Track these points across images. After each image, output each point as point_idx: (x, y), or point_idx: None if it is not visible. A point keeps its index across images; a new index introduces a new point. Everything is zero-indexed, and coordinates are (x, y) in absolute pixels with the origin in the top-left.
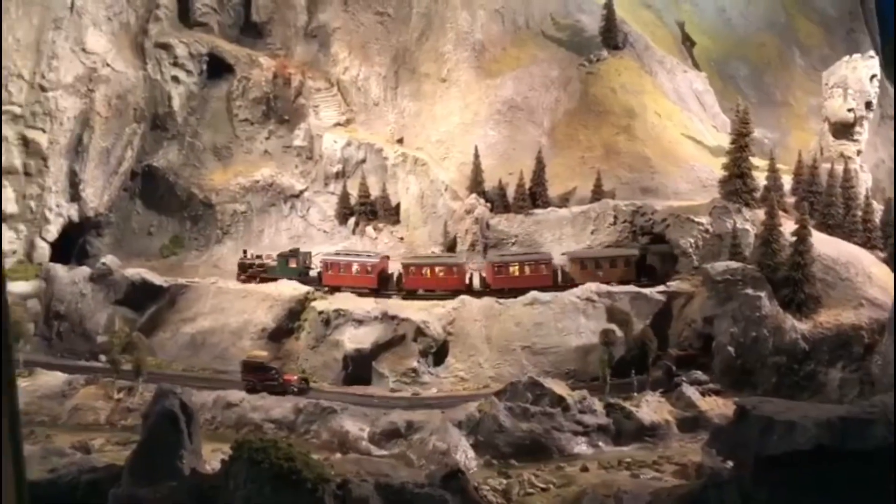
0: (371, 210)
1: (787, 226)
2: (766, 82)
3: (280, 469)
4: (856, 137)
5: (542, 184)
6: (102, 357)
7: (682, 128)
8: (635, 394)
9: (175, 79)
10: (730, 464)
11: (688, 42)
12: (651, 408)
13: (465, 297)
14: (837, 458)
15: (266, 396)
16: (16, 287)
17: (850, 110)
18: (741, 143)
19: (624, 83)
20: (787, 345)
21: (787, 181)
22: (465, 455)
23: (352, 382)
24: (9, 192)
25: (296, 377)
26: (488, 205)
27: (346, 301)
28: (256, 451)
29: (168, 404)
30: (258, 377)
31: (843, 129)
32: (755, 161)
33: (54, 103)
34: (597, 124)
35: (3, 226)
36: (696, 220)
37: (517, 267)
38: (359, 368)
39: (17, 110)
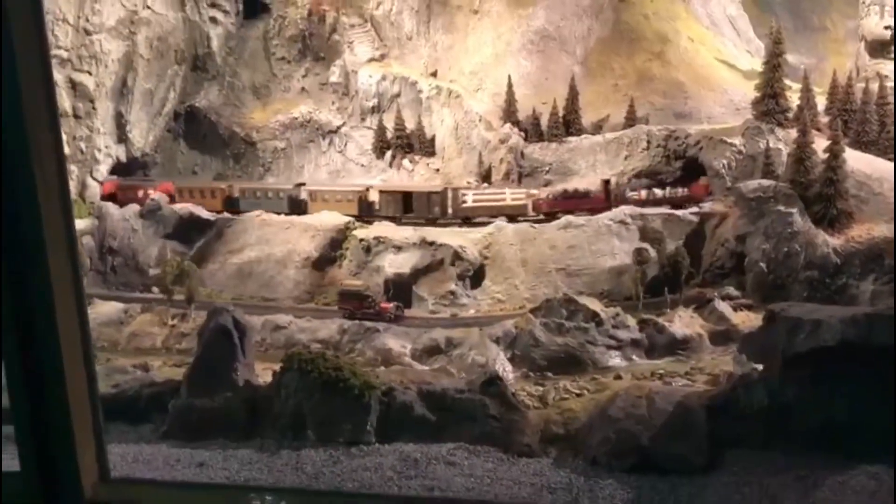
0: (407, 143)
1: (821, 144)
2: (802, 7)
3: (329, 377)
4: (892, 55)
5: (575, 112)
6: (155, 288)
7: (715, 52)
8: (668, 310)
9: (213, 20)
10: (760, 367)
11: None
12: (683, 322)
13: (499, 223)
14: (863, 354)
15: (312, 319)
16: None
17: (886, 27)
18: (774, 63)
19: (657, 9)
20: (819, 259)
21: (821, 102)
22: (503, 368)
23: None
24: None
25: (391, 305)
26: (522, 134)
27: (385, 229)
28: (305, 361)
29: (222, 320)
30: (355, 305)
31: (880, 48)
32: (790, 84)
33: (99, 46)
34: (629, 51)
35: None
36: (729, 141)
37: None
38: (399, 292)
39: (64, 54)
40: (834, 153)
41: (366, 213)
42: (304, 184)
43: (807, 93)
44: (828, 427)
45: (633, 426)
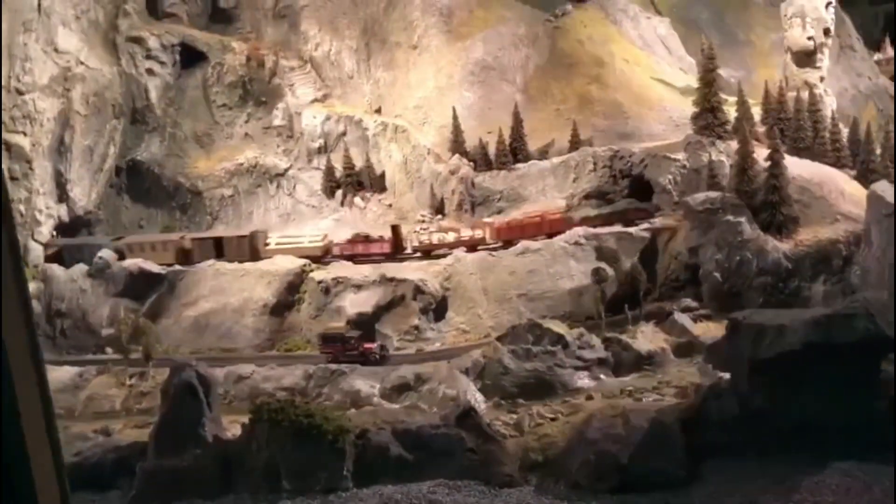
0: (357, 181)
1: (760, 153)
2: (727, 23)
3: (300, 425)
4: (818, 64)
5: (521, 139)
6: (109, 349)
7: (650, 72)
8: (630, 326)
9: (150, 71)
10: (727, 376)
11: None
12: (647, 338)
13: (458, 253)
14: (826, 354)
15: (275, 367)
16: None
17: (809, 38)
18: (709, 79)
19: (590, 34)
20: (771, 265)
21: (756, 113)
22: (475, 398)
23: None
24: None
25: (375, 345)
26: (471, 164)
27: (343, 269)
28: (275, 411)
29: (186, 376)
30: (338, 348)
31: (805, 58)
32: (725, 98)
33: (32, 105)
34: (568, 77)
35: None
36: (673, 157)
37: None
38: (363, 331)
39: None
40: (775, 161)
41: (182, 261)
42: (122, 237)
43: (743, 105)
44: (799, 429)
45: (611, 446)
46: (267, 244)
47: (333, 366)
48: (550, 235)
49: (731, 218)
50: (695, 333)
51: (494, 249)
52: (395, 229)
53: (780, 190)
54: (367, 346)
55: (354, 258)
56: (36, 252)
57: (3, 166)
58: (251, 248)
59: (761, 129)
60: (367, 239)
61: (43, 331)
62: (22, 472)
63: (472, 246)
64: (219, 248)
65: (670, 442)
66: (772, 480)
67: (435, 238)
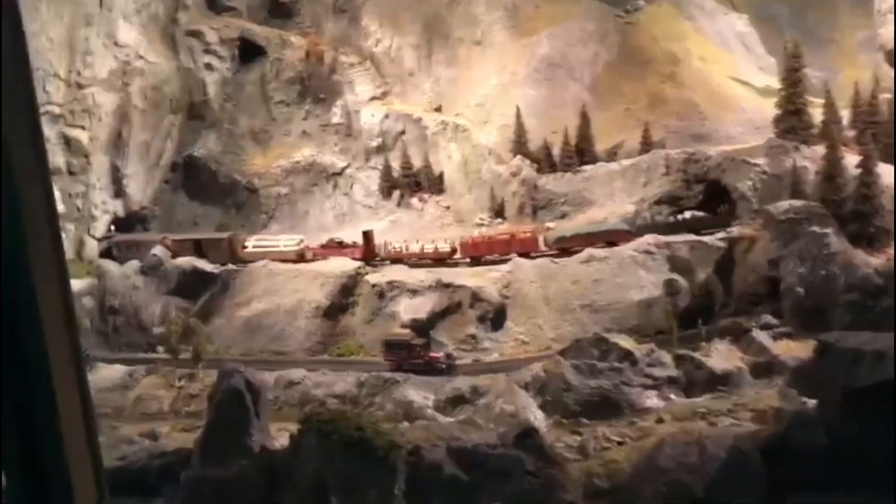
0: (415, 181)
1: (849, 160)
2: (809, 20)
3: (350, 439)
4: None
5: (587, 139)
6: (160, 348)
7: (728, 71)
8: (704, 343)
9: (208, 66)
10: (812, 402)
11: None
12: (722, 356)
13: (518, 259)
14: None
15: (326, 373)
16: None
17: None
18: (794, 79)
19: (664, 30)
20: (860, 281)
21: (844, 116)
22: (534, 416)
23: None
24: (56, 193)
25: (441, 354)
26: (534, 165)
27: (399, 272)
28: (325, 423)
29: (234, 383)
30: (402, 356)
31: None
32: (811, 100)
33: (91, 99)
34: (640, 75)
35: None
36: (753, 161)
37: None
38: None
39: (57, 110)
40: (866, 168)
41: None
42: (112, 237)
43: (831, 107)
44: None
45: (684, 476)
46: (245, 247)
47: (387, 374)
48: (521, 254)
49: (816, 229)
50: (774, 353)
51: (556, 256)
52: (367, 235)
53: (872, 199)
54: (433, 354)
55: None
56: (91, 247)
57: (62, 161)
58: (230, 251)
59: (850, 134)
60: (340, 244)
61: (96, 327)
62: (60, 475)
63: (439, 259)
64: (198, 250)
65: (751, 474)
66: None
67: (408, 248)
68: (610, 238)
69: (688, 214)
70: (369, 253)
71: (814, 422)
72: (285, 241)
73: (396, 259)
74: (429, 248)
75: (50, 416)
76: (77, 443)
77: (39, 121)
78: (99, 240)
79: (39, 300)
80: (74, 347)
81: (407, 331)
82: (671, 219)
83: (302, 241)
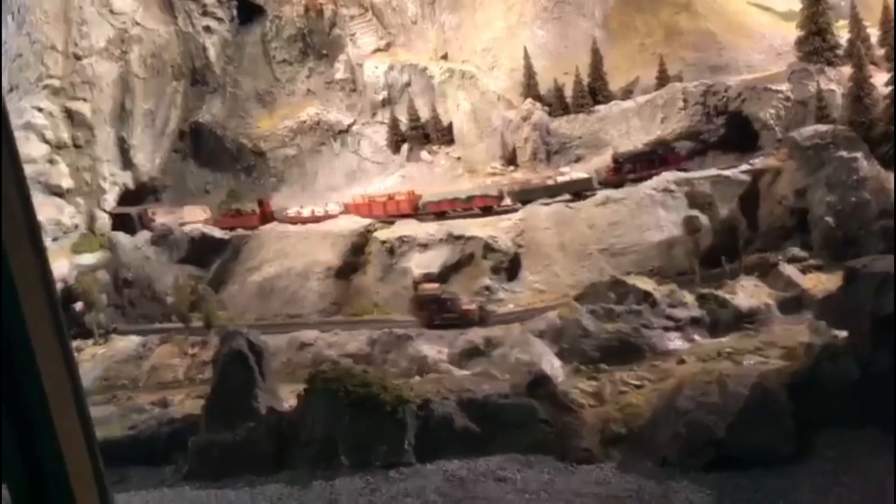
0: (423, 133)
1: (879, 79)
2: None
3: (357, 395)
4: None
5: (601, 78)
6: (174, 317)
7: None
8: (728, 281)
9: (207, 29)
10: (843, 334)
11: None
12: (747, 293)
13: (530, 206)
14: None
15: (339, 332)
16: (83, 259)
17: None
18: None
19: None
20: (893, 205)
21: (873, 35)
22: (551, 364)
23: None
24: (62, 167)
25: (474, 305)
26: (546, 108)
27: (408, 227)
28: (330, 381)
29: (235, 345)
30: (433, 310)
31: None
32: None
33: (91, 70)
34: (653, 7)
35: (63, 200)
36: (775, 88)
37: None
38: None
39: (57, 83)
40: (894, 84)
41: None
42: None
43: (857, 23)
44: None
45: (705, 417)
46: (153, 219)
47: (399, 330)
48: (402, 216)
49: (844, 154)
50: (804, 286)
51: (571, 201)
52: (262, 202)
53: None
54: (466, 306)
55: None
56: (103, 220)
57: (66, 135)
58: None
59: (879, 53)
60: (238, 212)
61: (112, 301)
62: (52, 450)
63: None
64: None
65: (775, 411)
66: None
67: (301, 213)
68: (475, 204)
69: (566, 176)
70: (265, 219)
71: (843, 354)
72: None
73: (291, 222)
74: (319, 212)
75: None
76: (69, 422)
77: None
78: (109, 213)
79: (18, 285)
80: (57, 324)
81: (436, 285)
82: (552, 181)
83: (207, 209)
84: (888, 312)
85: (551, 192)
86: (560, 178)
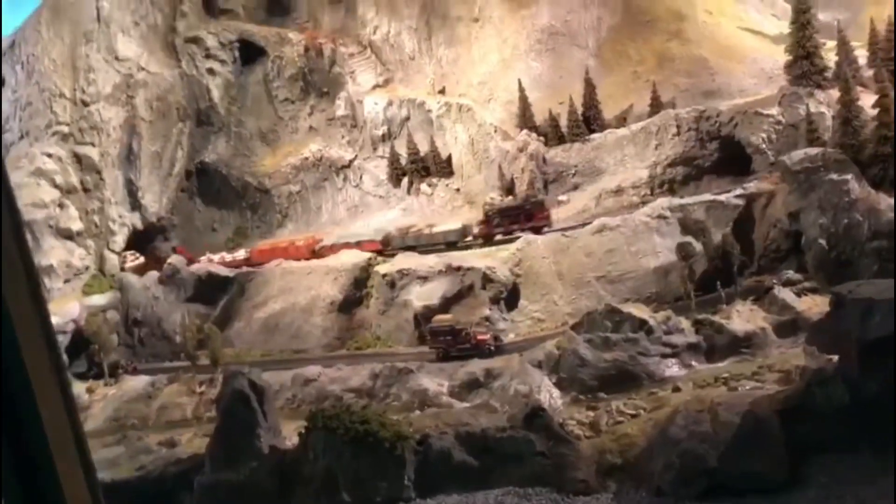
0: (423, 166)
1: (867, 101)
2: None
3: (356, 433)
4: None
5: (594, 107)
6: (182, 355)
7: (737, 21)
8: (724, 306)
9: (211, 71)
10: (834, 358)
11: None
12: (743, 317)
13: (528, 236)
14: None
15: (343, 367)
16: (93, 300)
17: None
18: (803, 21)
19: None
20: (885, 226)
21: (862, 56)
22: (550, 395)
23: (427, 341)
24: (72, 211)
25: (488, 335)
26: (541, 139)
27: (408, 260)
28: (330, 418)
29: (237, 385)
30: (449, 342)
31: None
32: (823, 42)
33: (98, 116)
34: (645, 35)
35: (73, 243)
36: (766, 112)
37: None
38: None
39: (66, 129)
40: (884, 107)
41: None
42: None
43: (844, 47)
44: None
45: (697, 446)
46: None
47: (400, 364)
48: (299, 259)
49: (835, 176)
50: (799, 309)
51: (567, 229)
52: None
53: (892, 140)
54: (480, 336)
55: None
56: (112, 262)
57: (75, 179)
58: None
59: (869, 74)
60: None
61: (123, 340)
62: (55, 500)
63: (236, 266)
64: None
65: (767, 438)
66: (891, 480)
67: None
68: (363, 248)
69: (440, 228)
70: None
71: (833, 379)
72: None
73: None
74: (228, 258)
75: (37, 437)
76: (69, 463)
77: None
78: (118, 253)
79: (17, 330)
80: (57, 364)
81: (449, 316)
82: (427, 231)
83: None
84: (875, 337)
85: (428, 240)
86: (435, 230)
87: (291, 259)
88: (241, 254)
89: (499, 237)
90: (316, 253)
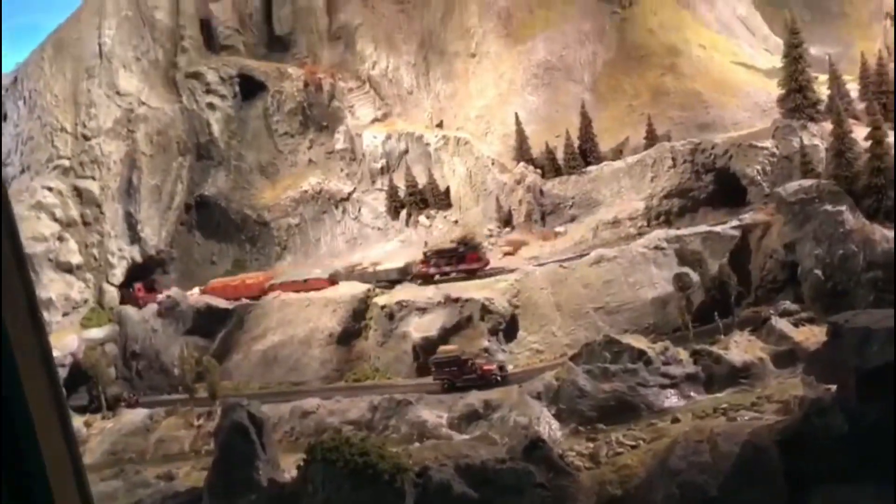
0: (421, 199)
1: (860, 133)
2: None
3: (355, 465)
4: None
5: (590, 139)
6: (181, 388)
7: (730, 56)
8: (722, 336)
9: (211, 105)
10: (832, 388)
11: None
12: (741, 348)
13: (525, 267)
14: None
15: (341, 399)
16: (92, 333)
17: None
18: (795, 55)
19: (661, 22)
20: (881, 256)
21: (854, 89)
22: (549, 426)
23: (426, 372)
24: (72, 244)
25: (494, 365)
26: (538, 171)
27: (407, 291)
28: (329, 450)
29: (236, 417)
30: (454, 373)
31: None
32: (816, 76)
33: (99, 150)
34: (640, 69)
35: (73, 276)
36: (760, 145)
37: None
38: (430, 357)
39: (66, 163)
40: (877, 139)
41: None
42: None
43: (835, 80)
44: None
45: (697, 476)
46: None
47: (399, 396)
48: (251, 298)
49: (829, 207)
50: (796, 340)
51: (564, 261)
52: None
53: (885, 171)
54: (486, 367)
55: None
56: (111, 294)
57: (75, 213)
58: None
59: (861, 107)
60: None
61: (121, 373)
62: None
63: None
64: None
65: (766, 468)
66: None
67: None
68: (310, 287)
69: (383, 267)
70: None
71: (831, 408)
72: None
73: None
74: (183, 294)
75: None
76: (68, 495)
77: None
78: (118, 287)
79: (18, 363)
80: (58, 398)
81: (454, 347)
82: (371, 269)
83: None
84: (872, 366)
85: (371, 278)
86: (378, 268)
87: (242, 296)
88: (195, 291)
89: (437, 277)
90: (266, 290)
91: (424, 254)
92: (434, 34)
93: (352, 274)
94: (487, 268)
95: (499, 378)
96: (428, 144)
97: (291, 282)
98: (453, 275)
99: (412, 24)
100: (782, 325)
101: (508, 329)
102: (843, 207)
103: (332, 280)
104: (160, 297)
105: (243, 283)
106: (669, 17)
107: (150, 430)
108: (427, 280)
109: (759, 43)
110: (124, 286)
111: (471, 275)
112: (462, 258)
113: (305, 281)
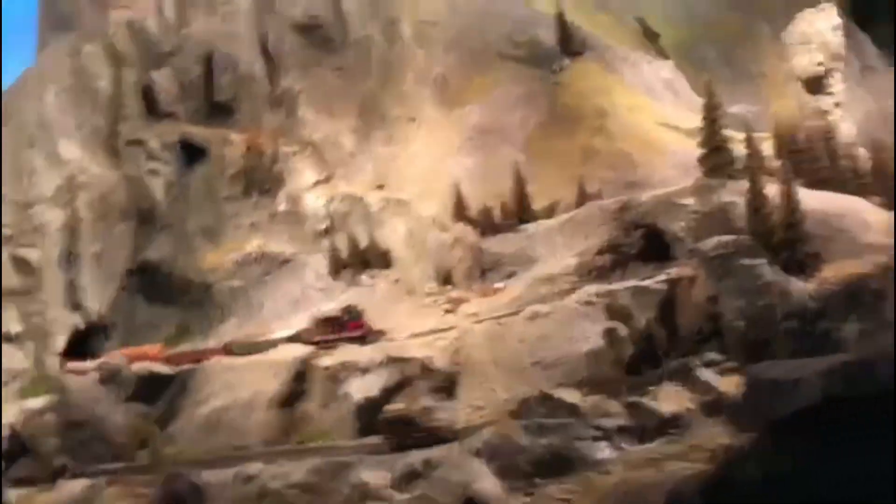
0: (363, 259)
1: (775, 190)
2: (737, 58)
3: None
4: (830, 90)
5: (525, 199)
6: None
7: (656, 117)
8: (652, 388)
9: (153, 171)
10: (752, 436)
11: (651, 35)
12: (670, 399)
13: (464, 324)
14: (851, 407)
15: (284, 463)
16: (32, 403)
17: (819, 64)
18: (712, 117)
19: (590, 86)
20: (796, 307)
21: (770, 147)
22: (488, 483)
23: (369, 432)
24: (13, 313)
25: (363, 322)
26: (477, 230)
27: (349, 352)
28: None
29: (175, 488)
30: (405, 433)
31: (816, 84)
32: (735, 135)
33: (39, 218)
34: (571, 131)
35: (13, 346)
36: (683, 202)
37: None
38: (373, 417)
39: (8, 231)
40: (787, 196)
41: None
42: None
43: (751, 141)
44: (833, 491)
45: None
46: None
47: (342, 458)
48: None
49: (747, 261)
50: (721, 389)
51: (501, 317)
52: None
53: (796, 226)
54: (352, 324)
55: None
56: (52, 363)
57: (15, 282)
58: None
59: (777, 164)
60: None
61: (62, 443)
62: None
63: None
64: None
65: None
66: None
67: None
68: (204, 356)
69: (275, 335)
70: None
71: (748, 457)
72: None
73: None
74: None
75: None
76: None
77: None
78: (60, 355)
79: None
80: None
81: (401, 405)
82: (262, 337)
83: None
84: (781, 415)
85: (267, 346)
86: (270, 336)
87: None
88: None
89: (322, 345)
90: (169, 359)
91: (311, 321)
92: (374, 98)
93: (247, 343)
94: (370, 335)
95: (451, 434)
96: (369, 206)
97: (191, 351)
98: (337, 342)
99: (352, 90)
100: (707, 375)
101: (449, 386)
102: (761, 261)
103: (227, 350)
104: (90, 364)
105: (142, 351)
106: (598, 81)
107: (91, 500)
108: (317, 345)
109: (683, 104)
110: (66, 354)
111: (356, 341)
112: (343, 326)
113: (203, 351)
